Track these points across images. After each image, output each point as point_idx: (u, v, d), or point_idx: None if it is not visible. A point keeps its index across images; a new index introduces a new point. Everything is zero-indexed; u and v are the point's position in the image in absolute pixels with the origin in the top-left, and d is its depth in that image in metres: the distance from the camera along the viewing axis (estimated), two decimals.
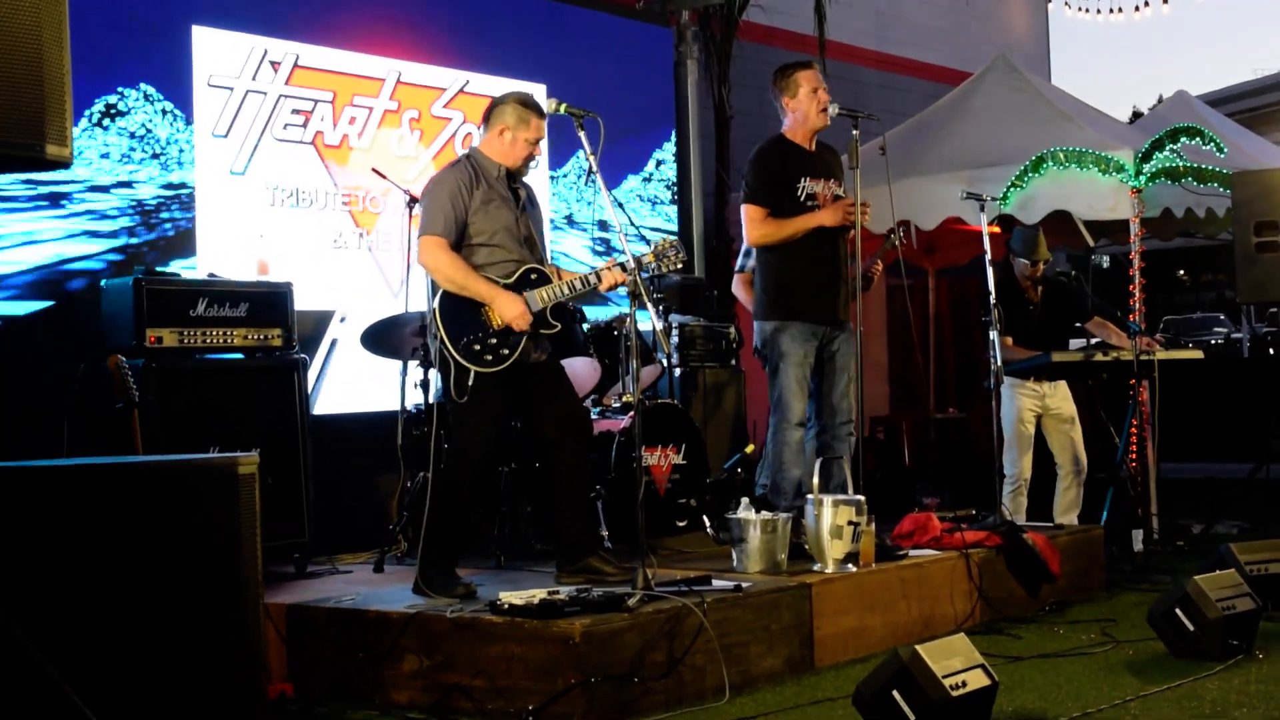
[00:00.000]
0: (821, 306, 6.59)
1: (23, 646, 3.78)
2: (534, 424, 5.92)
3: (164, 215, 7.25)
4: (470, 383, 5.59)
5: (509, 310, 5.61)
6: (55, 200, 6.79)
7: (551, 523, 6.11)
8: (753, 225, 6.66)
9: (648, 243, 5.83)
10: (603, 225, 9.54)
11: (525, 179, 5.96)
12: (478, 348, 5.61)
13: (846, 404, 6.62)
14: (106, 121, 7.01)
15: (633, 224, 5.87)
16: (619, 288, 5.72)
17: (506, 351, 5.64)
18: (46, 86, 3.74)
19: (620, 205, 5.90)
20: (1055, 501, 8.26)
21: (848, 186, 6.77)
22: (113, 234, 7.02)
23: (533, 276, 5.75)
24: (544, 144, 5.91)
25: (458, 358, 5.61)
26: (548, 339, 5.83)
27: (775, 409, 6.64)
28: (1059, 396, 8.26)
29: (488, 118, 5.87)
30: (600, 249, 9.49)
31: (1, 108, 3.65)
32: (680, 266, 5.86)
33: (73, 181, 6.84)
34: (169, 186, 7.26)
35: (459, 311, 5.64)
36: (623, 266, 5.67)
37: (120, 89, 7.06)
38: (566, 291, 5.76)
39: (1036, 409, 8.20)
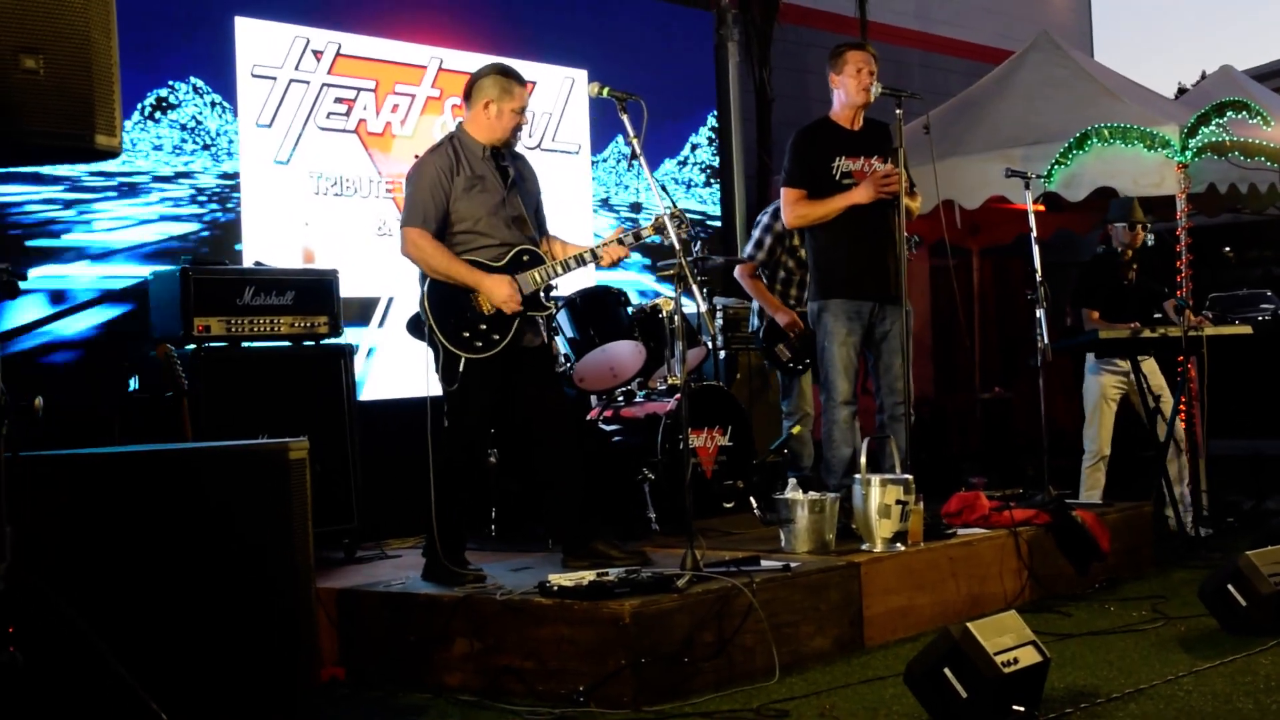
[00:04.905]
0: (865, 283, 6.58)
1: (81, 632, 3.82)
2: (517, 415, 5.81)
3: (211, 205, 7.30)
4: (460, 369, 5.52)
5: (497, 293, 5.52)
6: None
7: (547, 514, 6.01)
8: (788, 207, 6.73)
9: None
10: (635, 208, 9.54)
11: (516, 152, 5.86)
12: (467, 334, 5.54)
13: (900, 384, 6.60)
14: (158, 114, 7.08)
15: (674, 206, 5.84)
16: (621, 263, 5.76)
17: (498, 337, 5.56)
18: (95, 76, 3.74)
19: (664, 188, 5.86)
20: None
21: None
22: (158, 224, 7.08)
23: (524, 258, 5.66)
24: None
25: (447, 345, 5.55)
26: (541, 323, 5.77)
27: (822, 388, 6.68)
28: (1152, 373, 8.14)
29: (469, 94, 5.72)
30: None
31: (50, 97, 3.65)
32: (686, 237, 5.67)
33: (113, 174, 6.91)
34: (220, 177, 7.32)
35: (448, 298, 5.56)
36: (622, 241, 5.66)
37: (170, 82, 7.13)
38: (560, 271, 5.71)
39: (1123, 385, 8.16)
